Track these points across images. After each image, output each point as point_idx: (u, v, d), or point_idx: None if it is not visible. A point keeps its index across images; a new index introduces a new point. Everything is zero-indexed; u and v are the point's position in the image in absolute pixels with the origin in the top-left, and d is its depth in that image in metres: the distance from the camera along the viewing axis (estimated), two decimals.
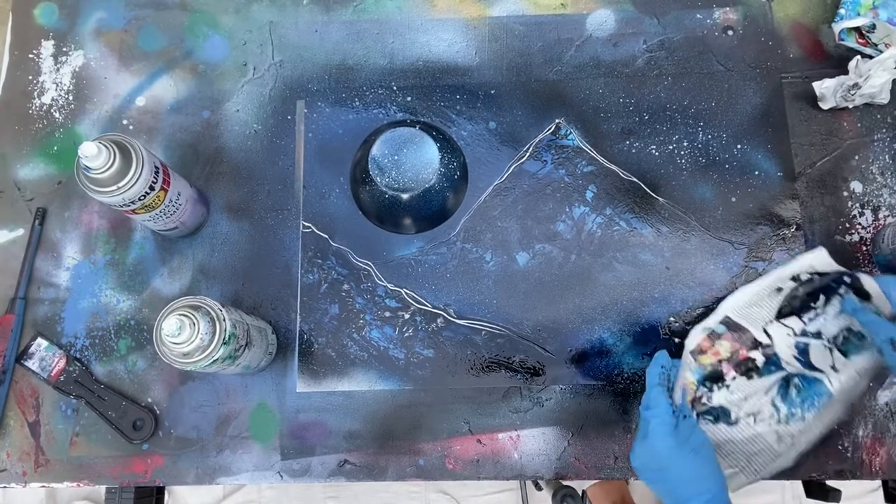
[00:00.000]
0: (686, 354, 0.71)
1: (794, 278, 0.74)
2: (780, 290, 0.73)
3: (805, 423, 0.68)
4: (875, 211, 0.80)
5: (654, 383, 0.67)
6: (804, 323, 0.71)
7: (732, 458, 0.69)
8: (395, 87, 0.85)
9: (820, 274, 0.74)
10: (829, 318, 0.70)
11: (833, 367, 0.69)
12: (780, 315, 0.72)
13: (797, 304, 0.72)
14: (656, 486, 0.64)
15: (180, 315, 0.61)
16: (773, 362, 0.70)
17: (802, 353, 0.70)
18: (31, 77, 0.87)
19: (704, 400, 0.69)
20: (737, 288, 0.76)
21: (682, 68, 0.85)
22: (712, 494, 0.61)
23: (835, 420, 0.71)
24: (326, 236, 0.81)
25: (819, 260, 0.75)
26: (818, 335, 0.70)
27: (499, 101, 0.85)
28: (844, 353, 0.69)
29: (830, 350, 0.69)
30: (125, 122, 0.85)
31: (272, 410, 0.77)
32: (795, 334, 0.70)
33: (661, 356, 0.70)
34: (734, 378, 0.70)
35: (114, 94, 0.86)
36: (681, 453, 0.63)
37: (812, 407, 0.68)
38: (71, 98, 0.86)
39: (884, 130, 0.82)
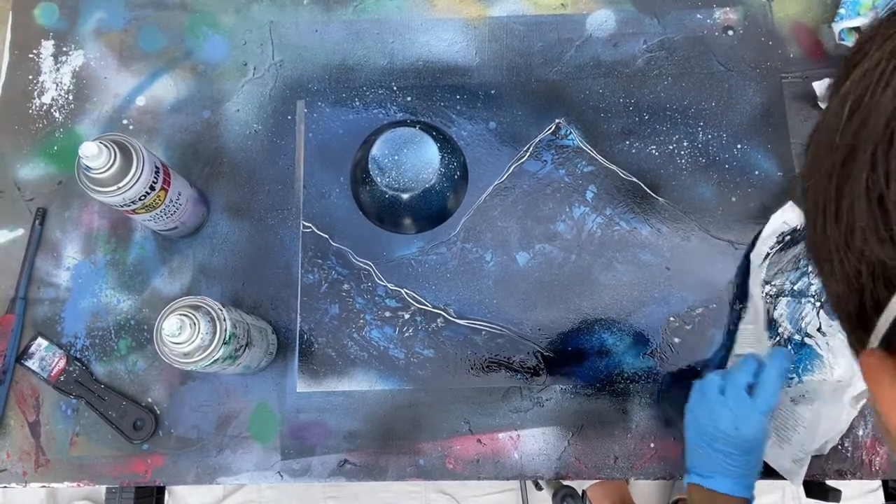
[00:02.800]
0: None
1: (779, 240, 0.78)
2: (767, 255, 0.77)
3: (809, 384, 0.73)
4: None
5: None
6: (791, 283, 0.76)
7: None
8: (395, 87, 0.85)
9: (795, 231, 0.78)
10: (811, 275, 0.76)
11: (820, 331, 0.75)
12: (770, 279, 0.77)
13: (783, 266, 0.77)
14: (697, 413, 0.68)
15: (181, 315, 0.61)
16: (772, 328, 0.75)
17: (792, 315, 0.76)
18: (31, 77, 0.87)
19: None
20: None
21: (682, 68, 0.85)
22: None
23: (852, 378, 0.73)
24: (326, 236, 0.81)
25: (790, 213, 0.79)
26: (803, 293, 0.76)
27: (499, 101, 0.85)
28: (830, 313, 0.75)
29: (818, 313, 0.75)
30: (125, 121, 0.85)
31: (272, 410, 0.77)
32: (784, 294, 0.76)
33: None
34: None
35: (114, 94, 0.86)
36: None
37: (807, 371, 0.74)
38: (71, 98, 0.86)
39: None
